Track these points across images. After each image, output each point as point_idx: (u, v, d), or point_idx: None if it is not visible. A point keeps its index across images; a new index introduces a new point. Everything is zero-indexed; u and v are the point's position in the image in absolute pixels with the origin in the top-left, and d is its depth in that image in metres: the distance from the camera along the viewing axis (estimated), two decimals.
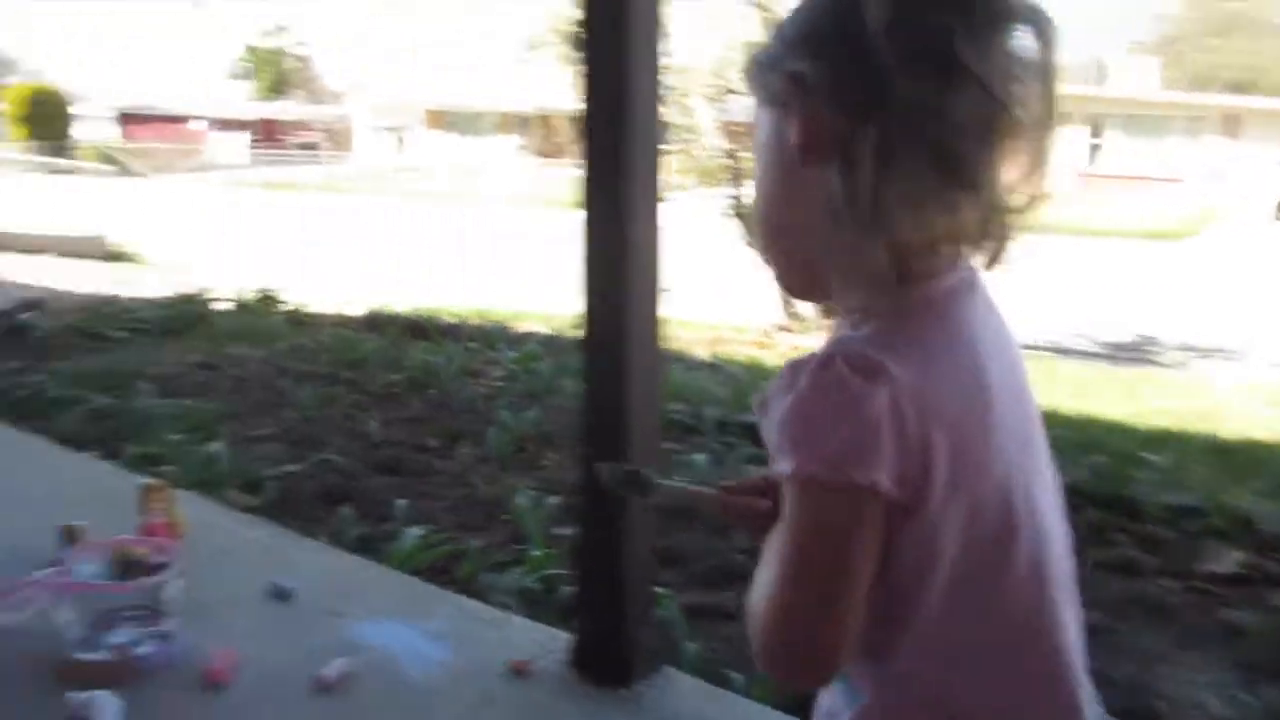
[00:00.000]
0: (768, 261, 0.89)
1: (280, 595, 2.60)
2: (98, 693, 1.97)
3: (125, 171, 29.83)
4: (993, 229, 0.78)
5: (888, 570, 0.78)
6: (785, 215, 0.85)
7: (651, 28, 2.08)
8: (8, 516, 3.00)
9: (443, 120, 44.67)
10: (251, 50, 60.80)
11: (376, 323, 7.20)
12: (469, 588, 2.95)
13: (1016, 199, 0.78)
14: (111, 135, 43.13)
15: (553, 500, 3.71)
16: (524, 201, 27.38)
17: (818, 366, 0.76)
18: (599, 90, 2.10)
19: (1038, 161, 0.78)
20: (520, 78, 41.07)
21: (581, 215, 2.17)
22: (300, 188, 26.93)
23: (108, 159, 31.49)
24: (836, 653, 0.77)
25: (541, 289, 9.38)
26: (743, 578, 0.93)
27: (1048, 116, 0.77)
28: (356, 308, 8.31)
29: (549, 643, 2.45)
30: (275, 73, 57.15)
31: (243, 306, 7.75)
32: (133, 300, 7.87)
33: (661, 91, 2.15)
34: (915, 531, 0.77)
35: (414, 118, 45.11)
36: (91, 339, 6.34)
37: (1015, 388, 0.85)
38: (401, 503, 3.54)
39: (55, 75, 46.62)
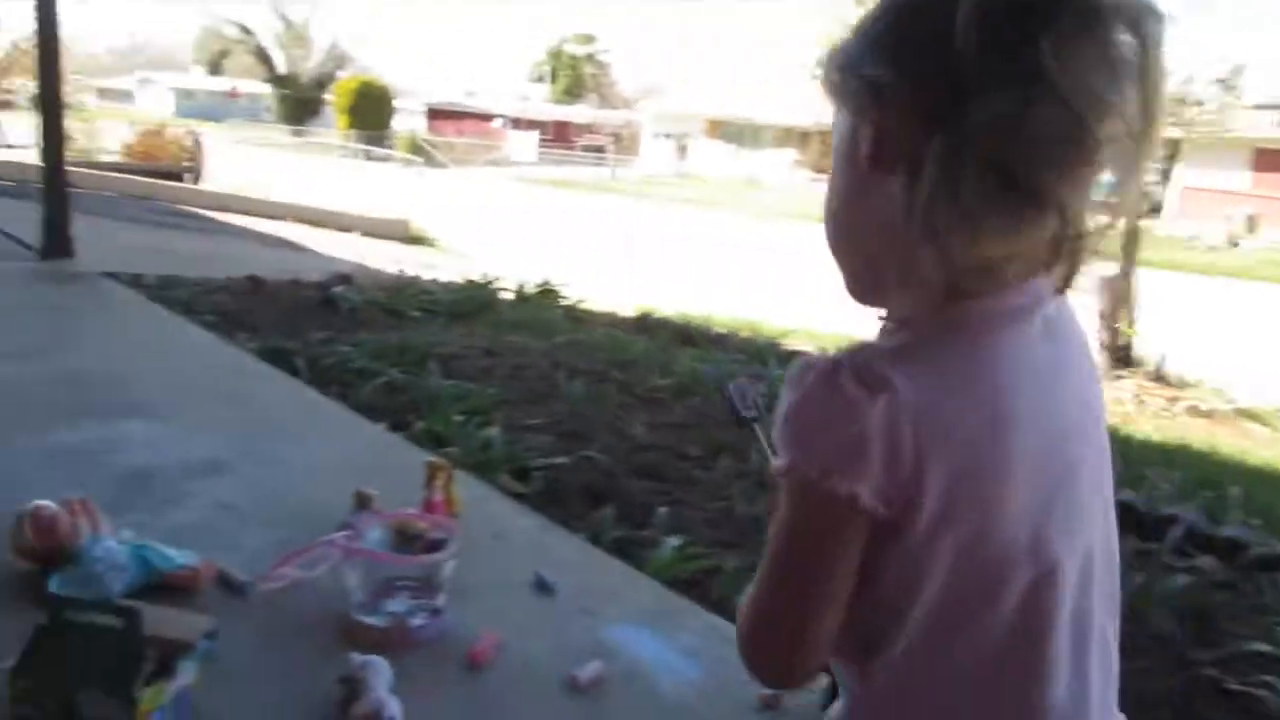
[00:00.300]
0: (835, 262, 0.87)
1: (543, 587, 2.65)
2: (373, 657, 2.07)
3: (430, 162, 32.29)
4: (1064, 252, 0.74)
5: (872, 587, 0.78)
6: (853, 217, 0.83)
7: None
8: (308, 476, 3.26)
9: (720, 130, 45.35)
10: (554, 54, 64.38)
11: (647, 325, 7.34)
12: (721, 607, 2.90)
13: (1096, 220, 0.74)
14: (420, 128, 46.83)
15: None
16: (794, 216, 27.34)
17: (824, 369, 0.75)
18: None
19: (1129, 176, 0.74)
20: (804, 92, 41.12)
21: None
22: (582, 187, 28.15)
23: (416, 150, 34.22)
24: (806, 656, 0.79)
25: (809, 307, 9.24)
26: None
27: (1147, 125, 0.71)
28: (628, 308, 8.53)
29: None
30: (573, 77, 60.19)
31: (524, 297, 8.14)
32: (429, 282, 8.46)
33: None
34: (900, 554, 0.76)
35: (695, 126, 46.03)
36: (391, 315, 6.86)
37: (1063, 424, 0.80)
38: (662, 510, 3.54)
39: (382, 70, 51.13)
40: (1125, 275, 7.83)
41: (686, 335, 7.07)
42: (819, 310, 9.21)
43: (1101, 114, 0.69)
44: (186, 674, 1.90)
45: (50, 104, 6.60)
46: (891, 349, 0.78)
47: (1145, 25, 0.70)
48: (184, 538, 2.68)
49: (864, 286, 0.86)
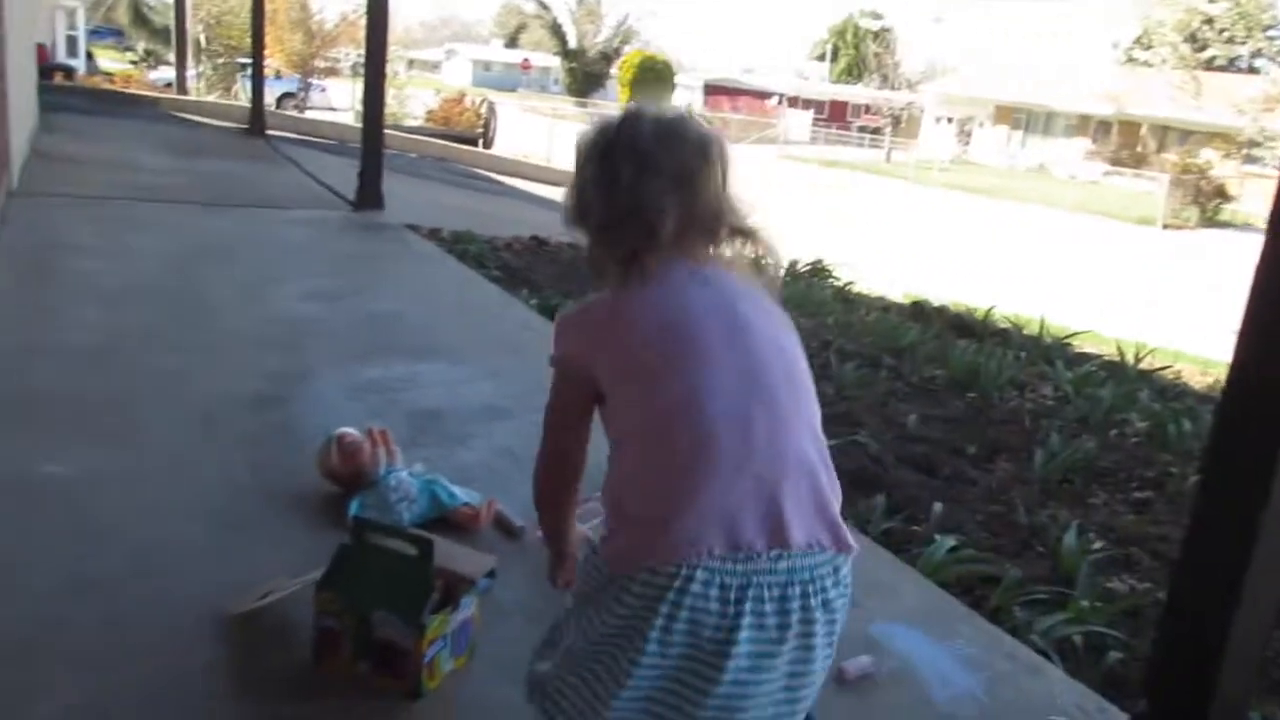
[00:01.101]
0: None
1: None
2: None
3: None
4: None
5: (608, 426, 1.40)
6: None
7: None
8: None
9: (1010, 116, 42.80)
10: (837, 32, 63.13)
11: (921, 313, 7.01)
12: (999, 618, 2.69)
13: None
14: (697, 104, 47.34)
15: (1099, 546, 3.29)
16: (1088, 210, 25.37)
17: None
18: None
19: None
20: (1108, 81, 37.95)
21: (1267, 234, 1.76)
22: (855, 168, 27.46)
23: None
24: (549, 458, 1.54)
25: (1099, 308, 8.51)
26: None
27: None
28: (899, 293, 8.20)
29: (1095, 714, 2.12)
30: (854, 56, 58.77)
31: (795, 275, 8.00)
32: None
33: None
34: (608, 403, 1.39)
35: (982, 111, 43.73)
36: None
37: (701, 312, 1.34)
38: (938, 506, 3.35)
39: (665, 46, 52.14)
40: None
41: (964, 326, 6.68)
42: (1110, 313, 8.48)
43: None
44: (467, 607, 1.96)
45: (374, 71, 7.14)
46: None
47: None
48: (467, 477, 2.81)
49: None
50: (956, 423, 4.51)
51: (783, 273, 1.50)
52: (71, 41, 25.34)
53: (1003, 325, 6.91)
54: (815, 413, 1.37)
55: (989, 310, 7.21)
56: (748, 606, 1.22)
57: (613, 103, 43.65)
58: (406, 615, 1.84)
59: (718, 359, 1.29)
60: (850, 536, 1.31)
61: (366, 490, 2.57)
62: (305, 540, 2.37)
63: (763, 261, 1.42)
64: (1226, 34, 23.00)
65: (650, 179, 1.34)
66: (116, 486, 2.55)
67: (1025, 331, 6.85)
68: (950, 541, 3.02)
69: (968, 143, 43.87)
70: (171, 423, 2.99)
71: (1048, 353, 6.18)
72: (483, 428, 3.28)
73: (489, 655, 2.01)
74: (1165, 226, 25.21)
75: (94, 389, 3.18)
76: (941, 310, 7.14)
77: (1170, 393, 5.72)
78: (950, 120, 45.03)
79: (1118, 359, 6.42)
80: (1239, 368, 1.79)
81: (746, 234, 1.40)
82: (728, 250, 1.39)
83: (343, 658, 1.89)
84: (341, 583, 1.90)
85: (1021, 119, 42.59)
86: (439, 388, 3.61)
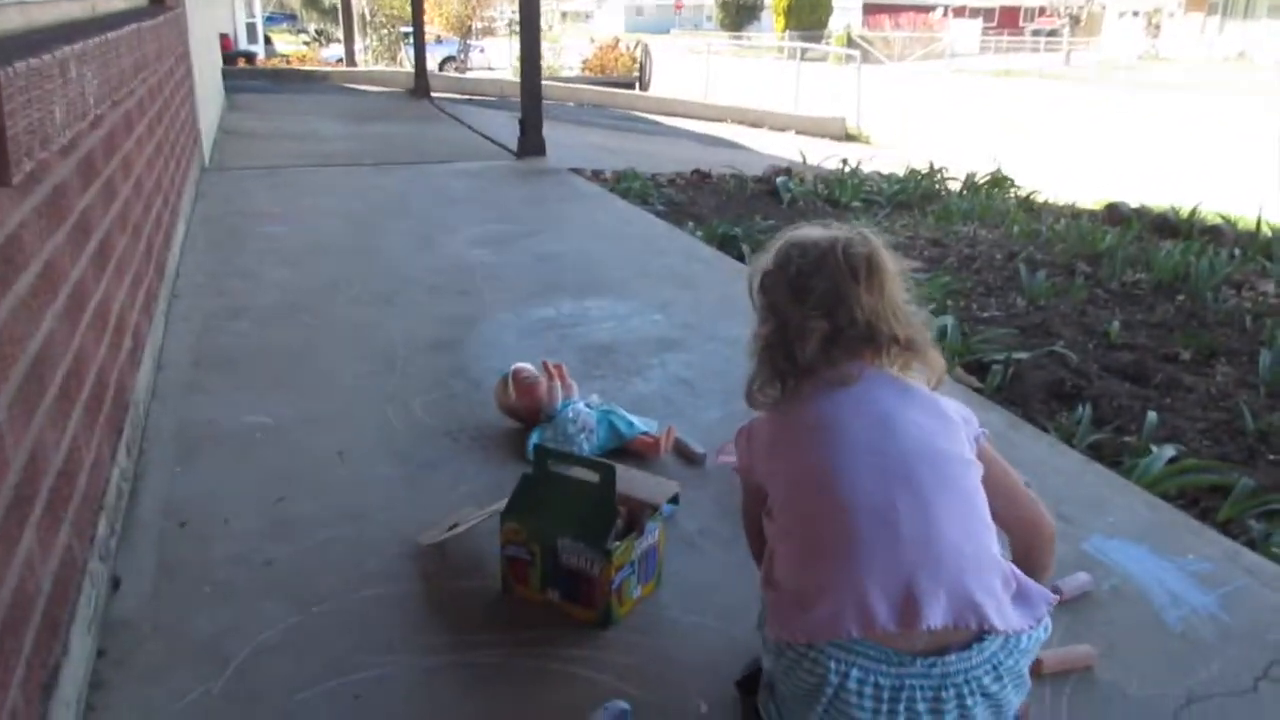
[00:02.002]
0: None
1: None
2: None
3: (867, 59, 31.35)
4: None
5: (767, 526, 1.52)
6: None
7: None
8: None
9: (1205, 2, 39.04)
10: None
11: (1118, 216, 6.48)
12: (1230, 531, 2.44)
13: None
14: (856, 25, 45.60)
15: None
16: None
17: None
18: None
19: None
20: None
21: None
22: (1031, 75, 25.76)
23: (852, 46, 33.35)
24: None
25: None
26: None
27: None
28: (1090, 201, 7.62)
29: None
30: None
31: (973, 187, 7.57)
32: (870, 174, 8.17)
33: None
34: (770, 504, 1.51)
35: (1173, 1, 40.11)
36: (832, 205, 6.71)
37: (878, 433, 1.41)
38: (1152, 414, 3.07)
39: None
40: None
41: (1167, 226, 6.12)
42: None
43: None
44: (652, 533, 1.91)
45: (529, 26, 7.19)
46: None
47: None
48: (644, 407, 2.77)
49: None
50: (1166, 328, 4.14)
51: (943, 377, 1.53)
52: (251, 29, 26.73)
53: (1212, 222, 6.30)
54: (972, 503, 1.39)
55: (1194, 208, 6.58)
56: (901, 707, 1.29)
57: (768, 33, 42.57)
58: (592, 541, 1.81)
59: (859, 457, 1.38)
60: (1013, 617, 1.32)
61: (545, 424, 2.56)
62: (489, 474, 2.39)
63: (922, 366, 1.48)
64: None
65: (796, 306, 1.45)
66: (310, 432, 2.64)
67: (1240, 227, 6.23)
68: (1169, 451, 2.77)
69: (1157, 36, 40.37)
70: (357, 371, 3.08)
71: (1267, 247, 5.58)
72: (656, 358, 3.23)
73: (677, 582, 1.97)
74: None
75: (285, 343, 3.32)
76: (1140, 211, 6.57)
77: None
78: (1136, 14, 41.51)
79: None
80: None
81: (905, 345, 1.45)
82: (890, 359, 1.46)
83: (531, 585, 1.89)
84: (526, 511, 1.89)
85: (1217, 3, 38.77)
86: (610, 322, 3.58)
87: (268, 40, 28.86)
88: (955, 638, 1.29)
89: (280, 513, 2.22)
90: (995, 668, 1.31)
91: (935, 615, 1.28)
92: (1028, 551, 1.50)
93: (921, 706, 1.29)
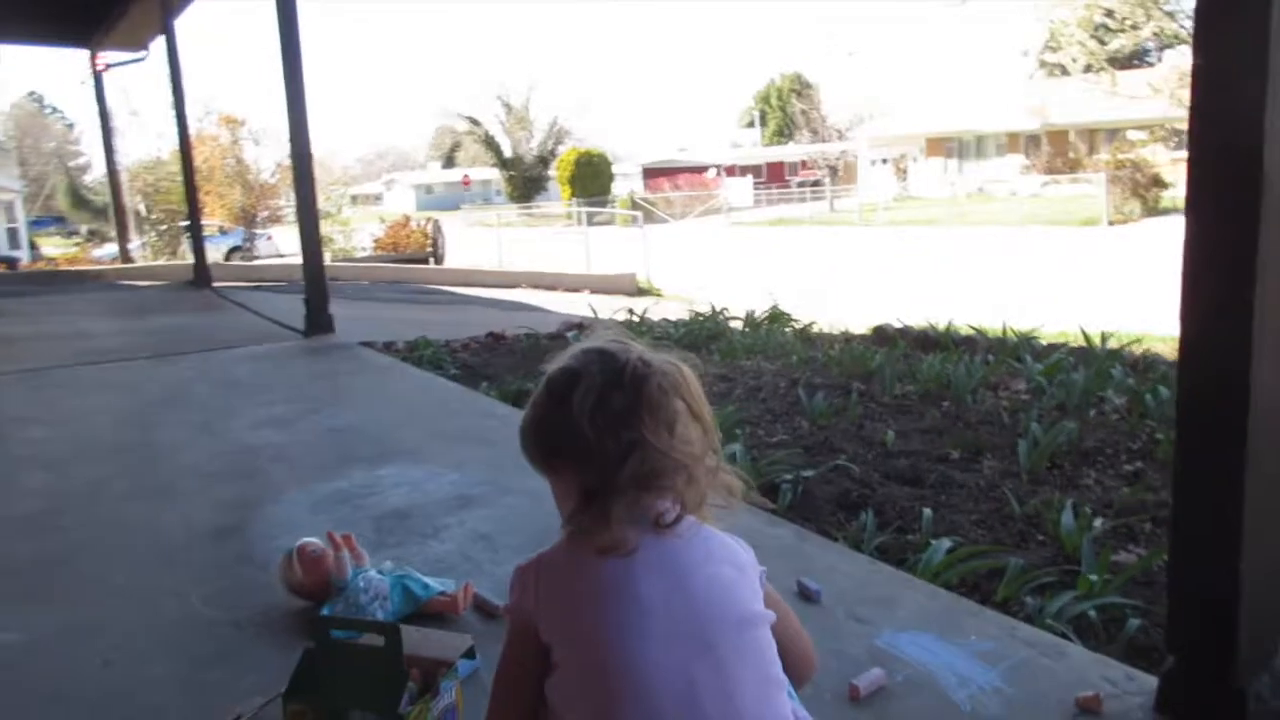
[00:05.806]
0: None
1: (805, 596, 2.44)
2: None
3: (650, 219, 33.06)
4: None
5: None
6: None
7: None
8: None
9: (942, 147, 43.74)
10: (761, 99, 64.78)
11: (885, 337, 6.98)
12: (1008, 609, 2.58)
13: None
14: (638, 188, 48.19)
15: (1100, 522, 3.21)
16: (1031, 220, 25.77)
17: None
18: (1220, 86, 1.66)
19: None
20: (1026, 94, 38.97)
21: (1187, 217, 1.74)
22: (801, 223, 27.85)
23: (635, 209, 35.15)
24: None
25: (1059, 307, 8.55)
26: None
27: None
28: (861, 327, 8.19)
29: (1123, 682, 2.01)
30: (782, 118, 60.21)
31: (754, 324, 7.99)
32: (659, 321, 8.49)
33: None
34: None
35: (914, 146, 44.70)
36: None
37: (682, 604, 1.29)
38: (927, 512, 3.25)
39: (599, 138, 53.26)
40: None
41: (929, 342, 6.65)
42: (1070, 310, 8.50)
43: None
44: (449, 692, 1.84)
45: (306, 207, 7.23)
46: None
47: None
48: (442, 568, 2.70)
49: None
50: (935, 432, 4.44)
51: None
52: (12, 234, 25.46)
53: (966, 334, 6.89)
54: (768, 667, 1.33)
55: (949, 324, 7.20)
56: None
57: (556, 202, 44.31)
58: (383, 710, 1.72)
59: (658, 625, 1.27)
60: None
61: (336, 597, 2.45)
62: (279, 661, 2.23)
63: (717, 498, 1.39)
64: (1128, 21, 23.62)
65: (602, 424, 1.30)
66: (70, 643, 2.41)
67: (989, 335, 6.84)
68: (946, 543, 2.93)
69: (905, 179, 44.71)
70: (128, 571, 2.86)
71: (1015, 350, 6.15)
72: (454, 517, 3.17)
73: None
74: (1111, 223, 25.58)
75: (41, 553, 3.05)
76: (904, 331, 7.12)
77: (1141, 365, 5.69)
78: (885, 160, 45.94)
79: (1085, 346, 6.41)
80: (1188, 323, 1.76)
81: (700, 473, 1.35)
82: (686, 489, 1.34)
83: None
84: (310, 689, 1.78)
85: (953, 147, 43.52)
86: (404, 487, 3.50)
87: (33, 245, 27.51)
88: None
89: None
90: None
91: None
92: (800, 682, 1.50)
93: None
